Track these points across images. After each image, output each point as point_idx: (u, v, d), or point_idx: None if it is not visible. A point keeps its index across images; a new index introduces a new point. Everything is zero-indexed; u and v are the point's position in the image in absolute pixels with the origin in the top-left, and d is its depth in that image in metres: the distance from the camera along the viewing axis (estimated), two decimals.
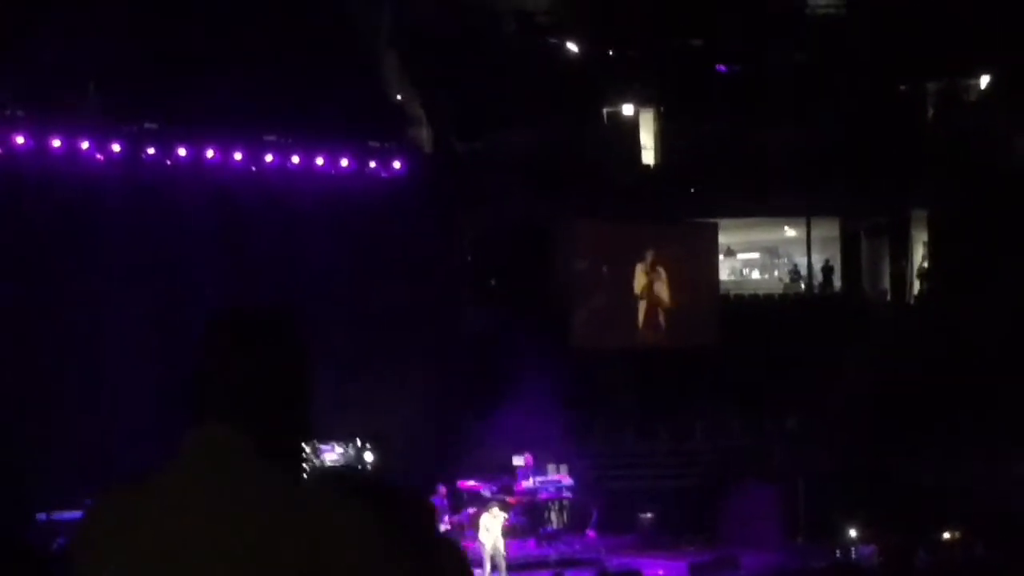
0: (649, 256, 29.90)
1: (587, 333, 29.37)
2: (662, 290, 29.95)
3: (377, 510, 2.74)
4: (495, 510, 21.54)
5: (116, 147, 22.28)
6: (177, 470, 2.67)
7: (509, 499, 23.15)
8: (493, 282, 29.63)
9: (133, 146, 22.53)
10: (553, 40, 29.70)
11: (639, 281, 29.92)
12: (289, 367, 2.78)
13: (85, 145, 22.02)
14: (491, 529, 21.26)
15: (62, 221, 21.56)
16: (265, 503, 2.61)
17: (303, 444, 2.90)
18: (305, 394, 2.79)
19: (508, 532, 22.15)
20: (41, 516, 18.43)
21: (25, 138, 21.40)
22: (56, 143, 21.70)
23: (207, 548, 2.55)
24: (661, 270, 29.92)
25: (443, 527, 21.84)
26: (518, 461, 24.32)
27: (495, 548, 21.18)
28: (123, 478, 2.78)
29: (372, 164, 25.43)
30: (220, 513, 2.58)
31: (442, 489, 22.49)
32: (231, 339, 2.76)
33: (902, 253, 32.71)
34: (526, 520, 23.45)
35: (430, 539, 2.86)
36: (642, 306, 29.95)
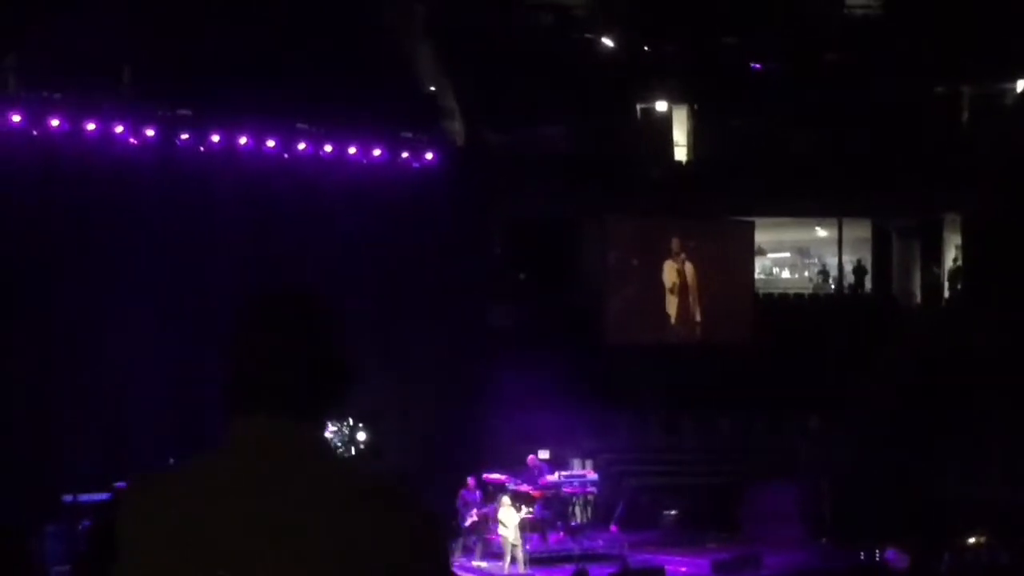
0: (682, 253, 29.83)
1: (618, 329, 29.33)
2: (693, 286, 29.88)
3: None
4: (506, 500, 21.58)
5: (150, 132, 22.35)
6: (231, 462, 2.56)
7: (533, 493, 23.14)
8: (522, 276, 29.63)
9: (167, 131, 22.60)
10: (589, 34, 29.67)
11: (669, 277, 29.87)
12: (336, 351, 2.67)
13: (120, 129, 22.09)
14: (508, 522, 21.29)
15: (95, 203, 21.64)
16: (341, 500, 2.51)
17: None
18: (345, 378, 2.69)
19: (531, 526, 22.16)
20: (67, 498, 18.51)
21: (61, 121, 21.50)
22: (91, 126, 21.79)
23: (293, 549, 2.44)
24: (692, 267, 29.85)
25: (471, 519, 21.91)
26: (543, 455, 24.32)
27: (515, 541, 21.21)
28: (154, 468, 2.71)
29: (404, 155, 25.45)
30: (301, 511, 2.46)
31: (471, 482, 22.54)
32: (282, 322, 2.63)
33: (934, 256, 32.59)
34: (550, 514, 23.44)
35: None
36: (673, 302, 29.89)
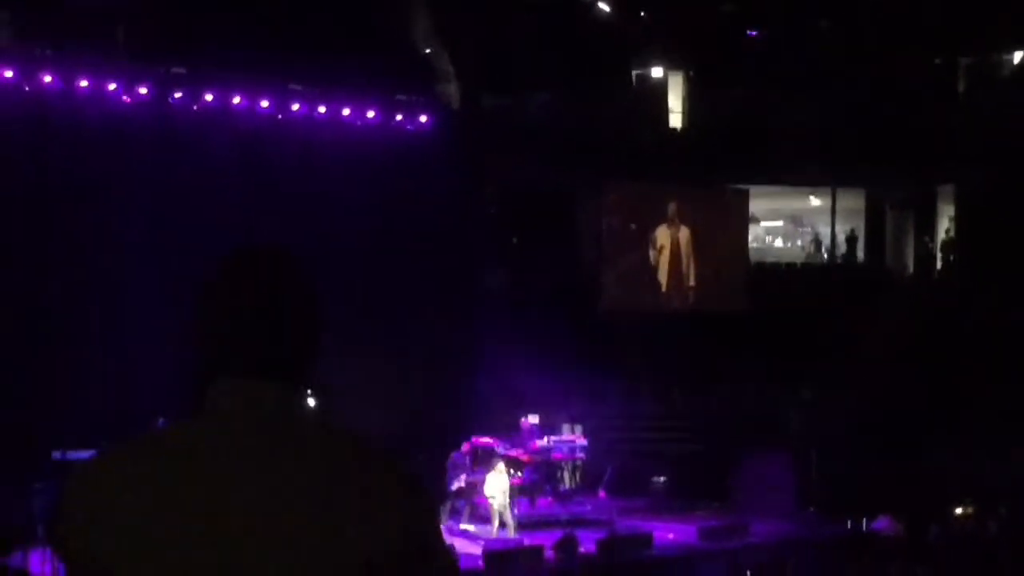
0: (671, 213, 29.84)
1: (611, 295, 29.36)
2: (687, 250, 29.90)
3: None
4: (500, 467, 21.59)
5: (143, 90, 22.24)
6: (215, 429, 2.46)
7: (523, 457, 23.16)
8: (515, 240, 29.59)
9: (160, 89, 22.49)
10: None
11: (660, 241, 29.88)
12: (312, 308, 2.58)
13: (112, 87, 21.99)
14: (497, 486, 21.31)
15: (87, 161, 21.56)
16: (342, 475, 2.44)
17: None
18: (319, 338, 2.60)
19: (520, 491, 22.19)
20: (56, 454, 18.49)
21: (53, 77, 21.38)
22: (83, 83, 21.68)
23: (284, 518, 2.37)
24: (687, 232, 29.86)
25: (459, 484, 21.91)
26: (532, 420, 24.33)
27: (503, 506, 21.24)
28: (128, 432, 2.60)
29: (399, 117, 25.36)
30: (292, 480, 2.39)
31: (466, 446, 22.54)
32: (259, 281, 2.53)
33: (927, 227, 32.59)
34: (539, 479, 23.47)
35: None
36: (663, 267, 29.91)
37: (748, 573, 20.09)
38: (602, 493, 24.69)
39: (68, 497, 2.48)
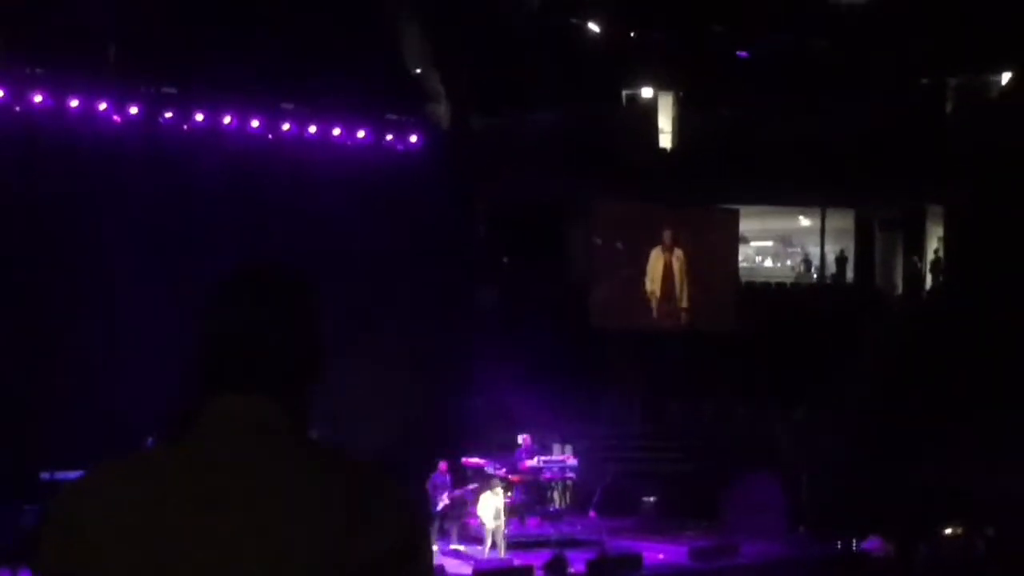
0: (667, 239, 29.87)
1: (602, 314, 29.37)
2: (680, 274, 29.92)
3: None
4: (497, 488, 21.54)
5: (134, 109, 22.27)
6: (205, 443, 2.44)
7: (512, 477, 23.12)
8: (505, 259, 29.62)
9: (151, 109, 22.53)
10: (575, 20, 29.61)
11: (656, 264, 29.90)
12: (315, 329, 2.57)
13: (103, 106, 22.01)
14: (492, 507, 21.25)
15: (78, 180, 21.56)
16: (328, 492, 2.40)
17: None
18: (322, 360, 2.58)
19: (510, 510, 22.14)
20: (44, 475, 18.45)
21: (44, 97, 21.40)
22: (74, 103, 21.70)
23: (265, 539, 2.34)
24: (680, 253, 29.89)
25: (443, 503, 21.85)
26: (520, 440, 24.31)
27: (495, 526, 21.19)
28: (119, 453, 2.58)
29: (389, 137, 25.41)
30: (277, 503, 2.37)
31: (443, 465, 22.46)
32: (262, 296, 2.53)
33: (916, 247, 32.66)
34: (529, 499, 23.44)
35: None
36: (658, 289, 29.93)
37: None
38: (592, 513, 24.65)
39: (53, 515, 2.46)
